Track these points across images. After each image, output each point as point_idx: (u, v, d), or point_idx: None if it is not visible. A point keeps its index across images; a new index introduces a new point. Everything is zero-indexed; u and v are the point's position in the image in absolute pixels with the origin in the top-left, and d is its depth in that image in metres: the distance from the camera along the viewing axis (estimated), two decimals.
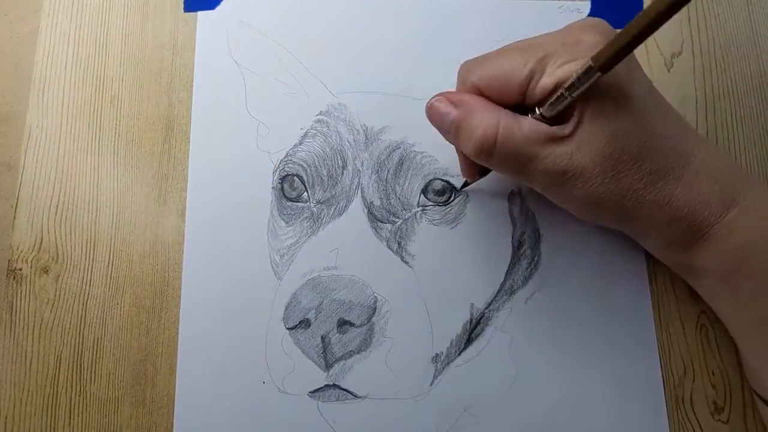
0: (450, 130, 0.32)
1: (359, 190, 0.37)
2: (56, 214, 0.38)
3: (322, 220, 0.37)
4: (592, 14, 0.42)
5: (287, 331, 0.35)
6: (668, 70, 0.41)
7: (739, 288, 0.31)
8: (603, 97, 0.29)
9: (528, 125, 0.30)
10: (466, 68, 0.32)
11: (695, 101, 0.40)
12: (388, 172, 0.38)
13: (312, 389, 0.35)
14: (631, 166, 0.30)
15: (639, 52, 0.41)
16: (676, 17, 0.42)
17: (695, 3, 0.42)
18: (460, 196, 0.38)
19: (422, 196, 0.37)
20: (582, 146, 0.29)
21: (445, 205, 0.37)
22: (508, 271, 0.37)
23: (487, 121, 0.30)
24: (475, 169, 0.35)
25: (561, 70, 0.29)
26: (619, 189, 0.30)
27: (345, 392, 0.35)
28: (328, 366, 0.35)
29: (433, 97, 0.33)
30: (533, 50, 0.30)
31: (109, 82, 0.40)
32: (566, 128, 0.29)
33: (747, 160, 0.39)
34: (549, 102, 0.29)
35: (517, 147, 0.30)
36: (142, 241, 0.37)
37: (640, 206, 0.30)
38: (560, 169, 0.30)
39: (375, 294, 0.35)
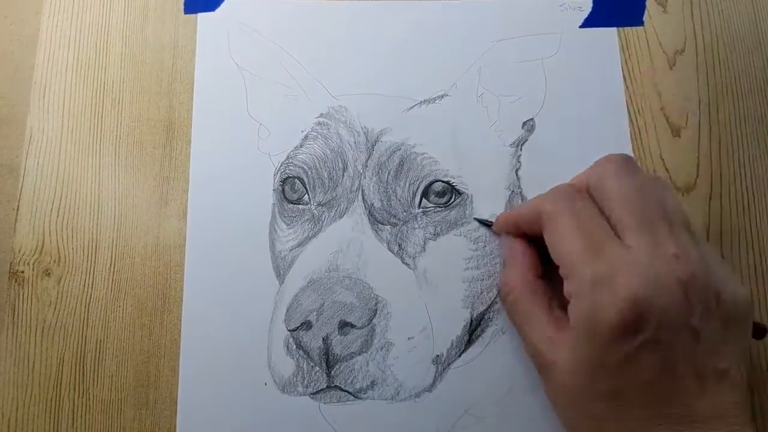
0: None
1: (360, 192, 0.37)
2: (58, 216, 0.38)
3: (323, 222, 0.37)
4: (594, 12, 0.41)
5: (289, 332, 0.35)
6: (671, 68, 0.41)
7: None
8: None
9: (537, 326, 0.32)
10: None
11: (698, 99, 0.40)
12: (389, 173, 0.37)
13: (314, 391, 0.35)
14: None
15: (640, 50, 0.41)
16: (678, 13, 0.42)
17: None
18: (461, 198, 0.37)
19: (423, 198, 0.37)
20: (569, 372, 0.30)
21: (445, 207, 0.37)
22: None
23: (511, 277, 0.34)
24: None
25: None
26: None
27: (346, 394, 0.35)
28: (329, 367, 0.35)
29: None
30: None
31: (109, 85, 0.40)
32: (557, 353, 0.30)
33: (750, 159, 0.39)
34: None
35: (517, 322, 0.34)
36: (144, 243, 0.38)
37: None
38: (542, 363, 0.32)
39: (376, 296, 0.35)
